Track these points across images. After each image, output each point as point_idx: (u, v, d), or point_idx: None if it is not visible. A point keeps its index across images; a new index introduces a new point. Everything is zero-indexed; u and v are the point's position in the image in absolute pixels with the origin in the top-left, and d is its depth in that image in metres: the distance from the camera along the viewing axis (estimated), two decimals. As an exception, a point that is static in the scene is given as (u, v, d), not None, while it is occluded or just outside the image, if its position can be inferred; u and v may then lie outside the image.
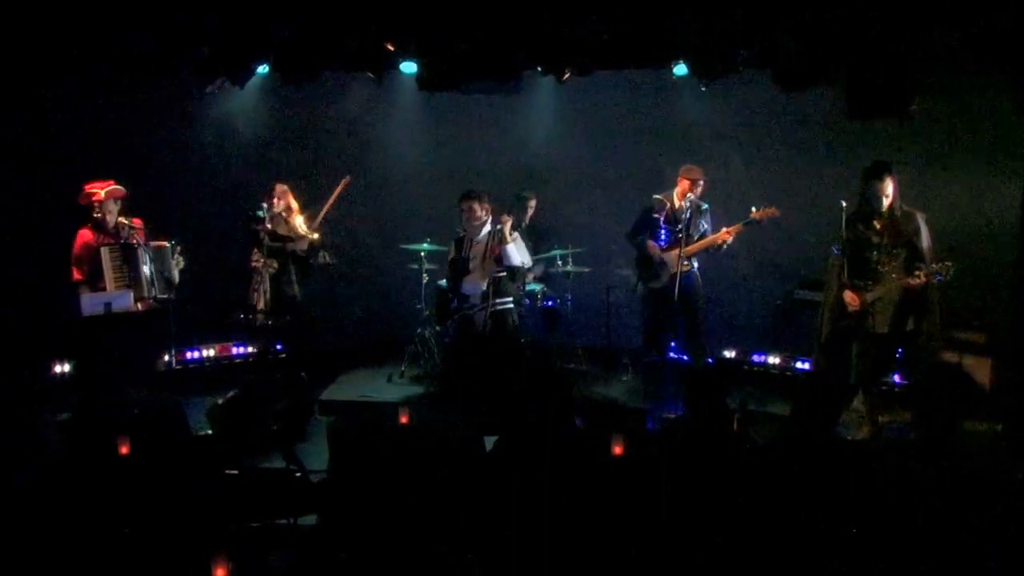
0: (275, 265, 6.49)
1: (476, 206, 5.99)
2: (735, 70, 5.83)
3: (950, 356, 6.10)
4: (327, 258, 6.72)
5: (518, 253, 5.98)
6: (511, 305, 6.01)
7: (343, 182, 6.69)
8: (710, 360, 6.79)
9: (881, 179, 5.32)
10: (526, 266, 6.15)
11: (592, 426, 5.85)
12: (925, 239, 5.34)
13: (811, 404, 5.68)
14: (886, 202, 5.35)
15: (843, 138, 6.99)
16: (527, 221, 7.48)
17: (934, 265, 5.17)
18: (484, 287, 5.86)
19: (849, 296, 5.41)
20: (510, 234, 5.90)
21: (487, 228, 5.97)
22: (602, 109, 7.88)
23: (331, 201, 6.66)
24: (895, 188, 5.35)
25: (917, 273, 5.20)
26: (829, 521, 3.18)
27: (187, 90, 6.82)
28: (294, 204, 6.68)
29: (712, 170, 6.68)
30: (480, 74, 6.14)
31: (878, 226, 5.41)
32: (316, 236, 6.58)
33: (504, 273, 5.95)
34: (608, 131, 7.99)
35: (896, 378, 6.43)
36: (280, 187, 6.62)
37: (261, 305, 6.50)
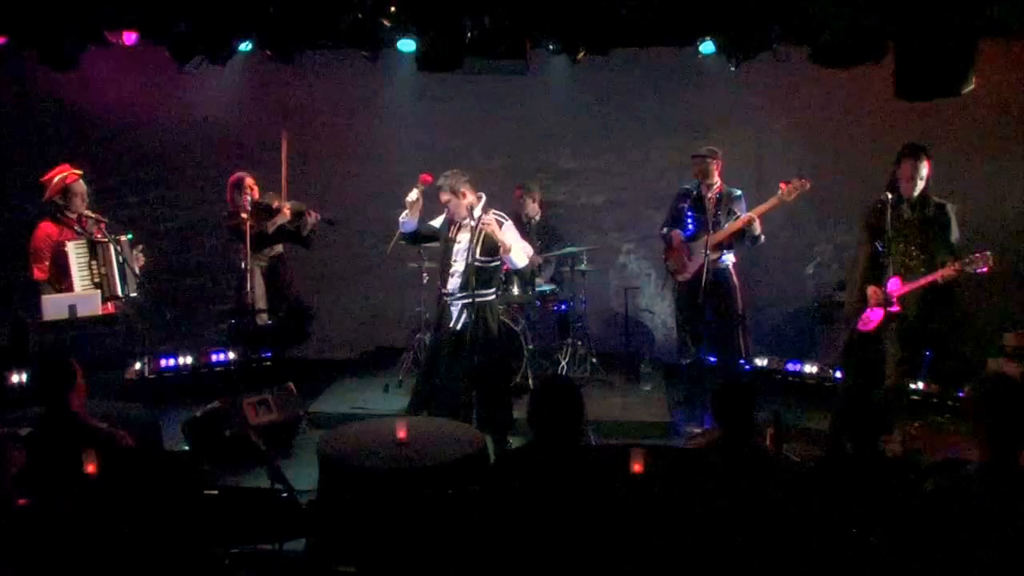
0: (271, 254, 6.52)
1: (450, 197, 5.66)
2: (768, 47, 5.78)
3: (1009, 367, 6.04)
4: (316, 217, 6.71)
5: (523, 253, 5.77)
6: (492, 298, 5.81)
7: (284, 139, 6.64)
8: (746, 366, 6.71)
9: (912, 161, 5.29)
10: (524, 263, 5.86)
11: (608, 442, 5.84)
12: (954, 233, 5.31)
13: (847, 418, 5.65)
14: (920, 185, 5.32)
15: (886, 124, 6.94)
16: (537, 217, 7.44)
17: (972, 256, 5.12)
18: (464, 277, 5.63)
19: (872, 292, 5.38)
20: (501, 231, 5.57)
21: (477, 213, 5.67)
22: (619, 92, 7.83)
23: (284, 166, 6.64)
24: (929, 174, 5.32)
25: (950, 265, 5.17)
26: (872, 548, 3.14)
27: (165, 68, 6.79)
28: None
29: (739, 159, 6.64)
30: (486, 53, 6.09)
31: (907, 215, 5.38)
32: (289, 206, 6.59)
33: (491, 263, 5.69)
34: (626, 117, 7.94)
35: (921, 385, 6.44)
36: (249, 179, 6.64)
37: (261, 305, 6.57)
